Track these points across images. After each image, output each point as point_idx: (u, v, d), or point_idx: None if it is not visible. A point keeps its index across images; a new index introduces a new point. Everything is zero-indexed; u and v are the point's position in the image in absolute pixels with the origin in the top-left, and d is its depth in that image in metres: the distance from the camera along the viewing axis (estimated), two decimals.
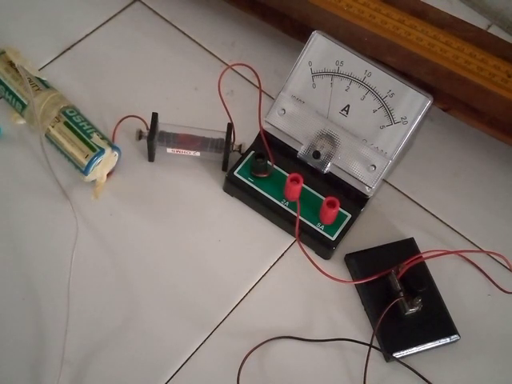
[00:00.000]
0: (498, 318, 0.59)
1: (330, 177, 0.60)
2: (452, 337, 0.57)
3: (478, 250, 0.62)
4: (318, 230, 0.60)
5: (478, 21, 0.77)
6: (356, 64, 0.59)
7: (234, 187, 0.62)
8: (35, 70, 0.65)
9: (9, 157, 0.63)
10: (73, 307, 0.55)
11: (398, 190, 0.65)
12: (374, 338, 0.56)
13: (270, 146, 0.62)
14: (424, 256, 0.59)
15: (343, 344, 0.56)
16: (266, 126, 0.62)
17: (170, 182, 0.63)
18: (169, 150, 0.63)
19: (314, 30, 0.60)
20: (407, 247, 0.61)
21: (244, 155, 0.63)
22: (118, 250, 0.59)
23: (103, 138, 0.61)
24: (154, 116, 0.62)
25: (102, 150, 0.60)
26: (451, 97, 0.61)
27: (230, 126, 0.62)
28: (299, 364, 0.55)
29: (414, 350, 0.56)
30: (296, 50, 0.61)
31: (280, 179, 0.61)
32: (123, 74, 0.69)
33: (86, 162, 0.60)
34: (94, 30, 0.72)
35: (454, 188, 0.66)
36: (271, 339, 0.56)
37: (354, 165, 0.59)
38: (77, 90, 0.67)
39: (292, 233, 0.60)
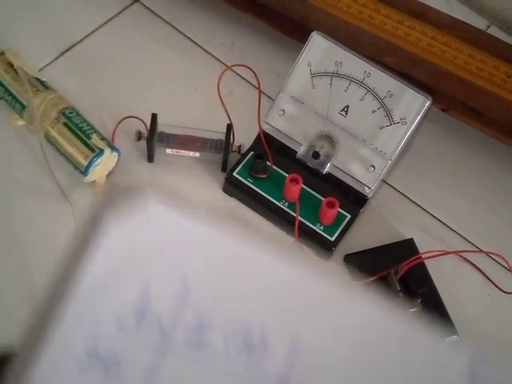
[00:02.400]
0: (498, 318, 0.59)
1: (330, 177, 0.60)
2: (451, 337, 0.57)
3: (478, 250, 0.62)
4: (318, 230, 0.60)
5: (477, 21, 0.77)
6: (355, 64, 0.59)
7: (233, 188, 0.62)
8: (35, 70, 0.65)
9: (8, 158, 0.63)
10: None
11: (398, 191, 0.65)
12: None
13: (269, 147, 0.62)
14: (423, 256, 0.59)
15: None
16: (265, 127, 0.62)
17: (170, 183, 0.63)
18: (168, 151, 0.63)
19: (313, 30, 0.60)
20: (406, 247, 0.61)
21: (243, 156, 0.63)
22: None
23: (103, 138, 0.61)
24: (154, 117, 0.62)
25: (102, 151, 0.60)
26: (450, 97, 0.61)
27: (230, 127, 0.62)
28: None
29: None
30: (295, 51, 0.61)
31: (279, 180, 0.61)
32: (123, 74, 0.69)
33: (85, 163, 0.60)
34: (93, 31, 0.72)
35: (454, 188, 0.66)
36: None
37: (353, 165, 0.59)
38: (76, 90, 0.67)
39: (291, 233, 0.60)
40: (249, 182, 0.62)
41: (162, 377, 0.28)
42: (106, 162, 0.61)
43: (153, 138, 0.62)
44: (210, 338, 0.27)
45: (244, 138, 0.64)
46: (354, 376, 0.27)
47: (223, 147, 0.62)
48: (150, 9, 0.74)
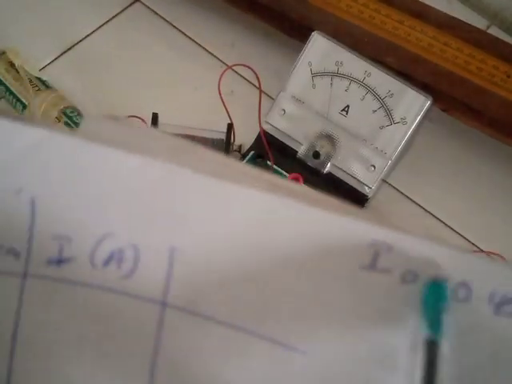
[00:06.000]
0: None
1: (330, 177, 0.61)
2: None
3: (478, 250, 0.62)
4: None
5: (478, 21, 0.77)
6: (356, 64, 0.59)
7: None
8: (36, 70, 0.65)
9: None
10: None
11: (398, 190, 0.65)
12: None
13: (269, 146, 0.62)
14: None
15: None
16: (265, 127, 0.62)
17: None
18: None
19: (313, 30, 0.61)
20: None
21: (244, 155, 0.63)
22: None
23: None
24: (155, 116, 0.62)
25: None
26: (450, 97, 0.61)
27: (230, 126, 0.62)
28: None
29: None
30: (296, 51, 0.61)
31: None
32: (124, 74, 0.70)
33: None
34: (94, 31, 0.72)
35: (454, 188, 0.66)
36: None
37: (353, 165, 0.59)
38: (77, 90, 0.67)
39: None
40: None
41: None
42: None
43: None
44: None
45: (244, 137, 0.64)
46: None
47: (224, 147, 0.62)
48: (150, 8, 0.74)
